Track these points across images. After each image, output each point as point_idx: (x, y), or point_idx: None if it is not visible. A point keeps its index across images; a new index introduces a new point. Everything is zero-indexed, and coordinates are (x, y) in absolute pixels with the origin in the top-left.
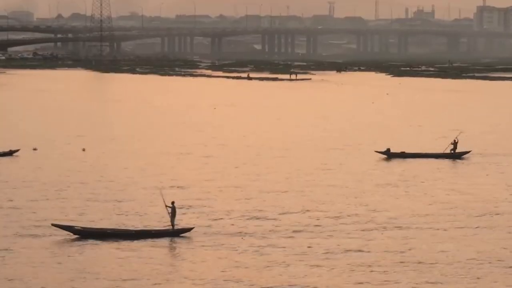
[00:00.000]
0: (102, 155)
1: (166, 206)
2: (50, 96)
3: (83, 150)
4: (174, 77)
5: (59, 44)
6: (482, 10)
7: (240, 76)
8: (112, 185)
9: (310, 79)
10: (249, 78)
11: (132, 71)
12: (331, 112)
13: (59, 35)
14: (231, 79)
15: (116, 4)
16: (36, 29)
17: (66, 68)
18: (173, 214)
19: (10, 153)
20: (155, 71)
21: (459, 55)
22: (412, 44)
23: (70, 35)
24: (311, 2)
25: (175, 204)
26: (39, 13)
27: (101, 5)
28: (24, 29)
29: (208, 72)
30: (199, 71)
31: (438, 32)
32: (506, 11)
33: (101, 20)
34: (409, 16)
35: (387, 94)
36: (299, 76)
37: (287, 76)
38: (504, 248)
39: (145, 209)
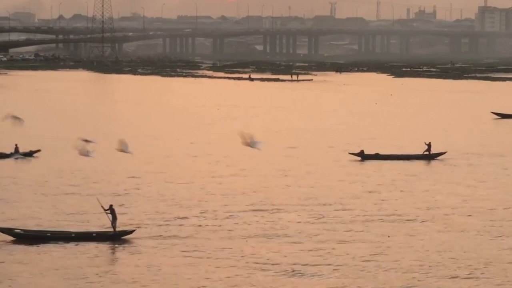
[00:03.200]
0: (105, 157)
1: (105, 210)
2: (52, 97)
3: None
4: (175, 78)
5: (60, 45)
6: (483, 10)
7: (242, 77)
8: (106, 186)
9: (312, 79)
10: (250, 79)
11: (134, 72)
12: (331, 113)
13: (60, 36)
14: (232, 80)
15: (117, 5)
16: (38, 30)
17: (68, 69)
18: (113, 216)
19: (30, 153)
20: (157, 72)
21: (460, 56)
22: (413, 45)
23: (71, 36)
24: (312, 2)
25: (113, 207)
26: (41, 14)
27: (102, 6)
28: (26, 30)
29: (210, 73)
30: (200, 72)
31: (439, 32)
32: (507, 11)
33: (102, 21)
34: (411, 17)
35: (391, 95)
36: (301, 77)
37: (288, 77)
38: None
39: (127, 210)
